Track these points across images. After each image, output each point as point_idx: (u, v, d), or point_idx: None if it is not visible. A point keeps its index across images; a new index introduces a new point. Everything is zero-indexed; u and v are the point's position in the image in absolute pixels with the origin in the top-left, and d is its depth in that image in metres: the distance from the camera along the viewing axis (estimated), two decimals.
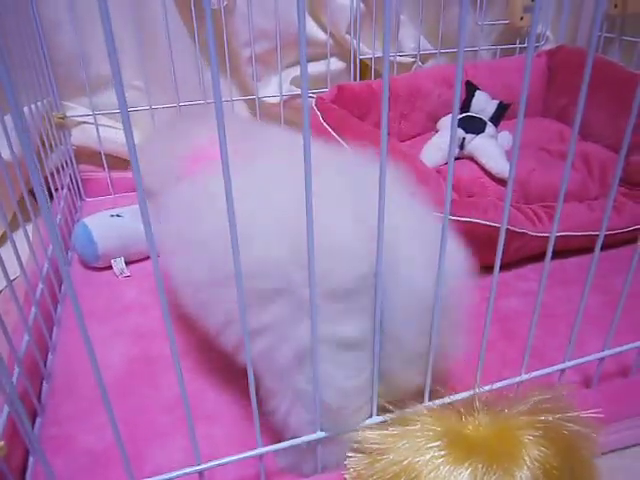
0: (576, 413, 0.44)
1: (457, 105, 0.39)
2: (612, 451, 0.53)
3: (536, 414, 0.45)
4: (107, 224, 0.82)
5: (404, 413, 0.46)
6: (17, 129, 0.29)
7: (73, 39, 0.96)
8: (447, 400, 0.49)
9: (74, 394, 0.60)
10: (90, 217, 0.83)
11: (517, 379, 0.52)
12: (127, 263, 0.82)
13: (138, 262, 0.85)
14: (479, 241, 0.76)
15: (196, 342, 0.65)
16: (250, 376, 0.41)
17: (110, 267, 0.82)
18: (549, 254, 0.48)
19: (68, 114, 1.02)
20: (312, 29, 1.10)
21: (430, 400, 0.48)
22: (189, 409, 0.40)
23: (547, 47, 1.24)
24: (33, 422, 0.56)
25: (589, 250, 0.84)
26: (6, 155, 0.61)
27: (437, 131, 1.03)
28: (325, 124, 0.92)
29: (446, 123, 1.02)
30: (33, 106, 0.84)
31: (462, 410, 0.47)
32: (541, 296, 0.48)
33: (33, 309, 0.63)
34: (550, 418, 0.44)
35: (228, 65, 1.06)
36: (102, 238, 0.80)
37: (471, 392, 0.49)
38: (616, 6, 1.10)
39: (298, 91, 1.13)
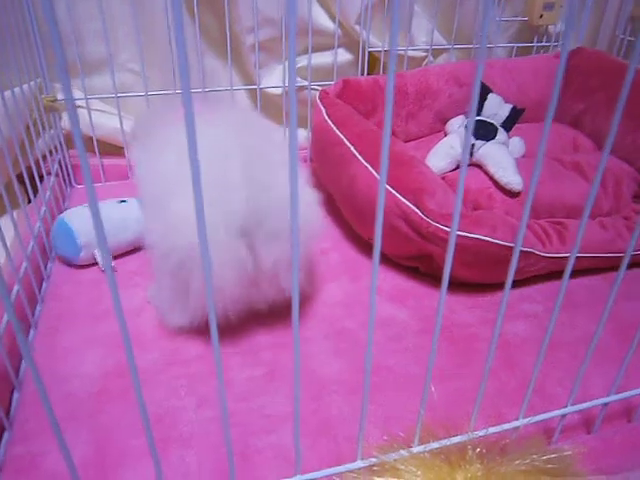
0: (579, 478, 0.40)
1: (474, 108, 0.34)
2: None
3: (534, 474, 0.41)
4: (85, 215, 0.79)
5: (389, 460, 0.43)
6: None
7: (65, 16, 0.91)
8: (436, 446, 0.45)
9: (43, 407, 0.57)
10: (67, 212, 0.81)
11: (515, 423, 0.49)
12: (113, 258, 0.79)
13: (122, 257, 0.82)
14: (485, 258, 0.72)
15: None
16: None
17: (94, 264, 0.79)
18: (564, 287, 0.43)
19: (59, 97, 0.97)
20: (320, 17, 1.04)
21: (420, 445, 0.45)
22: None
23: None
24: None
25: (598, 271, 0.80)
26: None
27: (446, 134, 0.98)
28: (329, 120, 0.88)
29: (455, 126, 0.96)
30: (17, 89, 0.79)
31: (453, 460, 0.43)
32: (547, 341, 0.44)
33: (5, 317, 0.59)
34: None
35: (229, 52, 1.00)
36: (82, 230, 0.77)
37: (463, 437, 0.46)
38: None
39: (303, 82, 1.07)
